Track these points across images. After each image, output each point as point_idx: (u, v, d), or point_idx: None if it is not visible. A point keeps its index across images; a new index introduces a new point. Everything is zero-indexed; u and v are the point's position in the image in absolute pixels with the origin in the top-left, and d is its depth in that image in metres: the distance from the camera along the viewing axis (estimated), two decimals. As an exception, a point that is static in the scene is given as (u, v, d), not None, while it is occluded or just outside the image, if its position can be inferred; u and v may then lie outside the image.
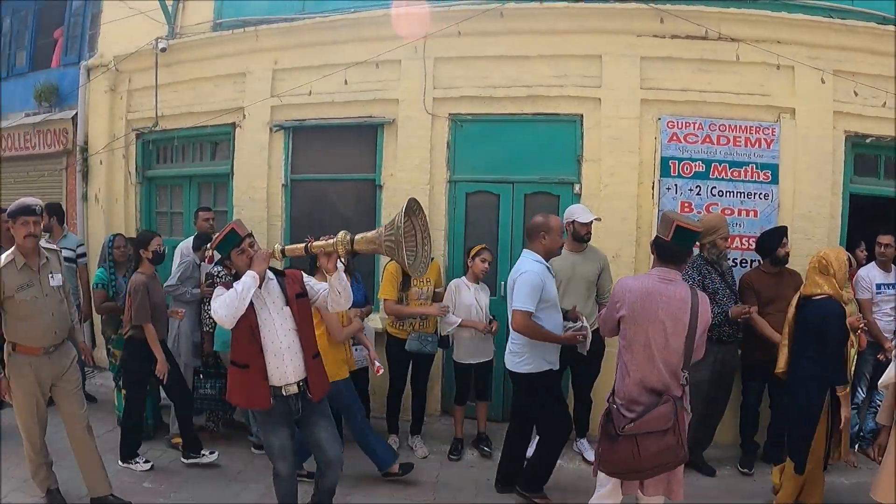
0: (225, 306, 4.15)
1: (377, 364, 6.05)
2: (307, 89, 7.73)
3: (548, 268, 5.29)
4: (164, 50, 8.59)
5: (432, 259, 6.57)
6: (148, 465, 6.15)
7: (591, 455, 6.12)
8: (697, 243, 5.93)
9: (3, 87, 11.65)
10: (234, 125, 8.38)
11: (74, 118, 9.93)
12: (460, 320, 6.32)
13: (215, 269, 6.63)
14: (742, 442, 6.38)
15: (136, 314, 5.97)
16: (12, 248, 4.98)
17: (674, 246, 4.03)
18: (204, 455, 6.23)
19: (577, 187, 7.01)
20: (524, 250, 5.35)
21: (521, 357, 5.24)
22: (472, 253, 6.44)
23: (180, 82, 8.85)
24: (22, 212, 4.85)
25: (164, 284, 6.69)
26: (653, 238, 4.31)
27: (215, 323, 6.53)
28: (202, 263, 6.89)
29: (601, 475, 4.30)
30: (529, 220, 5.43)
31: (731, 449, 6.51)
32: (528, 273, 5.06)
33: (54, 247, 5.49)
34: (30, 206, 4.88)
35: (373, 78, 7.53)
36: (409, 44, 7.28)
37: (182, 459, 6.24)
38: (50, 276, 5.07)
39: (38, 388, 5.02)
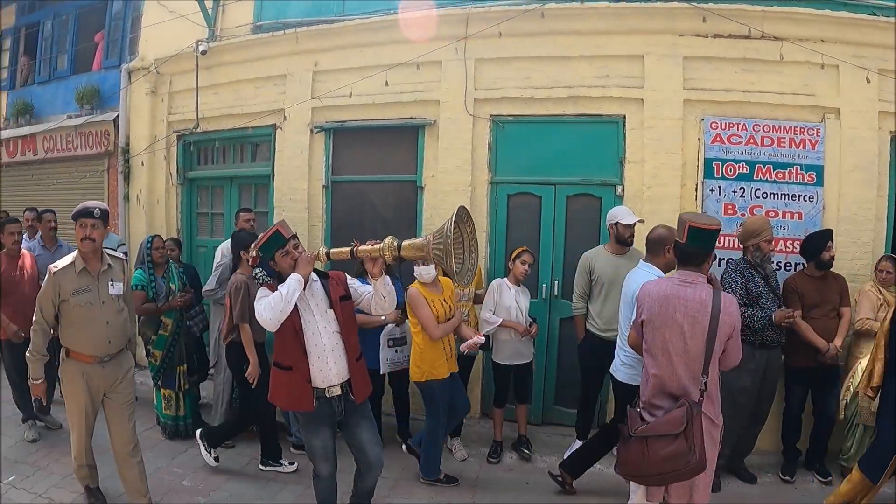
0: (270, 309, 4.17)
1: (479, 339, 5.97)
2: (348, 91, 7.74)
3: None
4: (204, 52, 8.67)
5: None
6: (293, 467, 6.24)
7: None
8: (741, 246, 5.93)
9: (44, 90, 11.83)
10: (274, 127, 8.43)
11: (116, 120, 10.05)
12: (501, 320, 6.31)
13: (258, 270, 6.67)
14: (784, 449, 6.27)
15: (237, 314, 5.95)
16: (76, 252, 4.94)
17: (689, 247, 3.99)
18: (283, 465, 6.23)
19: (619, 189, 6.94)
20: (641, 262, 5.24)
21: (636, 370, 4.95)
22: (514, 255, 6.40)
23: (221, 84, 8.92)
24: (80, 214, 4.79)
25: (203, 290, 6.81)
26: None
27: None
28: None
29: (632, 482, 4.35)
30: (652, 231, 5.29)
31: (772, 456, 6.40)
32: None
33: (121, 255, 5.37)
34: (88, 208, 4.80)
35: (413, 79, 7.53)
36: (450, 45, 7.26)
37: (260, 466, 6.24)
38: (110, 283, 4.97)
39: (89, 397, 4.94)
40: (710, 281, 4.01)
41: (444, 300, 5.78)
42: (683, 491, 4.00)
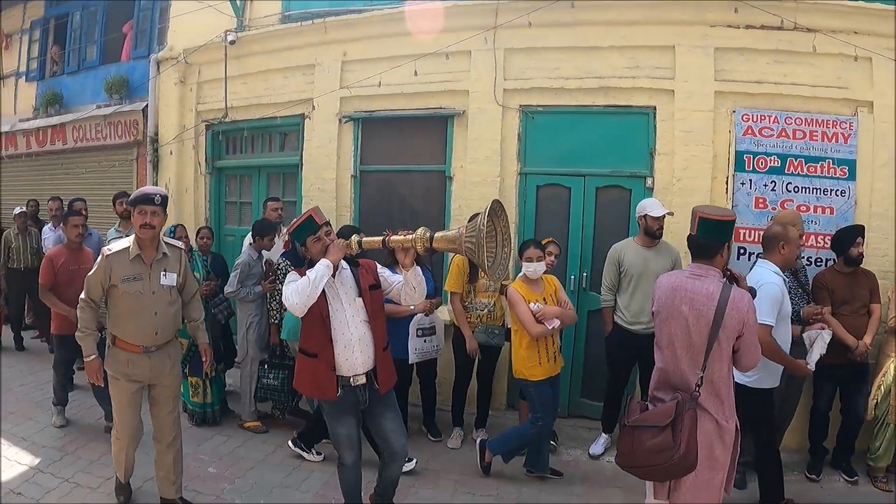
0: (297, 293, 4.15)
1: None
2: (376, 80, 7.75)
3: (784, 279, 5.03)
4: (233, 42, 8.72)
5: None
6: (320, 458, 6.17)
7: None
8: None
9: (74, 80, 11.93)
10: (303, 116, 8.47)
11: (145, 110, 10.15)
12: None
13: (281, 259, 6.70)
14: (811, 447, 6.18)
15: None
16: (132, 237, 4.81)
17: (699, 239, 3.89)
18: (311, 453, 6.20)
19: (649, 181, 6.88)
20: (760, 259, 5.16)
21: (753, 374, 4.84)
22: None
23: (249, 74, 8.97)
24: (140, 200, 4.66)
25: (225, 291, 6.83)
26: None
27: (280, 315, 6.64)
28: (260, 253, 7.01)
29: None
30: (767, 229, 5.19)
31: (799, 454, 6.32)
32: (768, 285, 4.75)
33: (179, 244, 5.22)
34: (148, 194, 4.69)
35: (442, 69, 7.53)
36: (479, 35, 7.25)
37: (289, 443, 6.24)
38: (163, 273, 4.83)
39: (134, 386, 4.85)
40: (734, 277, 3.92)
41: (545, 299, 5.72)
42: (685, 490, 3.86)
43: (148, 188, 4.84)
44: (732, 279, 3.89)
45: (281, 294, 6.36)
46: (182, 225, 7.34)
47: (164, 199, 4.75)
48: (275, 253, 7.03)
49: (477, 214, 4.16)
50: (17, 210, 9.98)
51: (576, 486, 5.83)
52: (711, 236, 3.85)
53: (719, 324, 3.66)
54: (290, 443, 6.25)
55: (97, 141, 11.08)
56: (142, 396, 4.95)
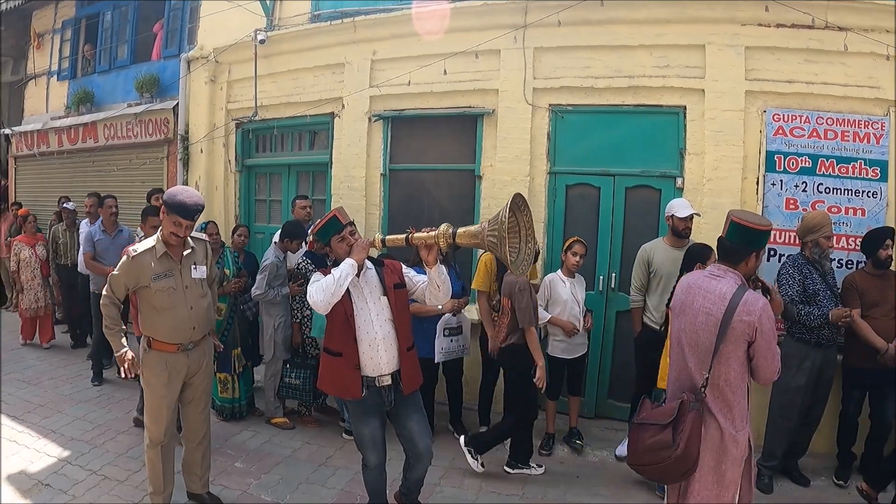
0: (321, 291, 4.17)
1: None
2: (406, 79, 7.76)
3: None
4: (262, 41, 8.76)
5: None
6: (541, 470, 6.04)
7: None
8: (800, 241, 5.83)
9: (105, 79, 12.07)
10: (332, 115, 8.51)
11: (175, 108, 10.26)
12: (549, 316, 6.31)
13: (303, 260, 6.74)
14: (838, 452, 6.10)
15: (522, 317, 5.70)
16: (156, 234, 4.76)
17: (727, 242, 3.76)
18: (533, 467, 6.08)
19: (679, 181, 6.84)
20: None
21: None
22: (565, 246, 6.38)
23: (279, 73, 9.02)
24: (177, 210, 4.56)
25: (253, 294, 6.84)
26: None
27: (302, 314, 6.71)
28: (286, 255, 7.06)
29: None
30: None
31: (827, 459, 6.23)
32: None
33: (203, 236, 5.22)
34: (188, 208, 4.57)
35: (472, 68, 7.52)
36: (509, 34, 7.24)
37: (506, 468, 6.06)
38: (193, 267, 4.83)
39: (172, 388, 4.81)
40: (766, 288, 3.92)
41: None
42: (696, 491, 3.74)
43: (187, 198, 4.64)
44: (765, 290, 3.86)
45: (303, 294, 6.44)
46: (213, 221, 7.40)
47: (201, 210, 4.73)
48: (297, 256, 7.08)
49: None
50: (70, 205, 10.11)
51: (601, 486, 5.82)
52: (741, 242, 3.70)
53: (727, 325, 3.54)
54: (506, 468, 6.08)
55: (128, 139, 11.21)
56: (177, 400, 4.95)
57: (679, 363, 3.84)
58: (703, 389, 3.61)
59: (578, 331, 6.36)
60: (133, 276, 4.63)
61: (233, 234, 7.51)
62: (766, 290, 3.85)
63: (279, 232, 7.12)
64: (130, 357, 4.66)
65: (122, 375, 4.69)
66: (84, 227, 9.11)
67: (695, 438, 3.56)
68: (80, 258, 8.73)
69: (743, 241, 3.69)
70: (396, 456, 5.02)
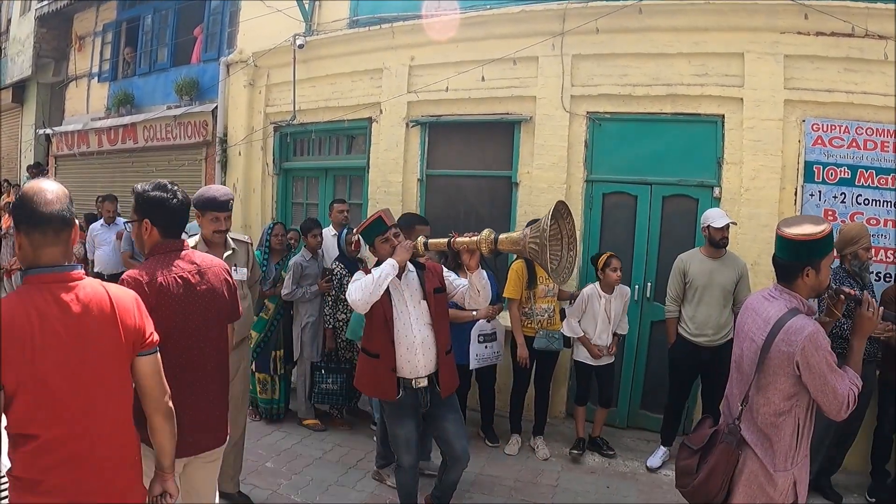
0: (360, 290, 4.20)
1: None
2: (444, 86, 7.79)
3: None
4: (301, 46, 8.82)
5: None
6: None
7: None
8: (839, 254, 5.69)
9: (145, 81, 12.25)
10: (370, 120, 8.55)
11: (214, 111, 10.39)
12: (582, 334, 6.36)
13: (334, 264, 6.82)
14: (872, 469, 5.99)
15: None
16: (198, 235, 4.71)
17: (776, 258, 3.35)
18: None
19: (716, 191, 6.79)
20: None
21: None
22: (602, 263, 6.32)
23: (318, 78, 9.08)
24: (210, 206, 4.55)
25: (282, 294, 6.89)
26: None
27: (335, 320, 6.77)
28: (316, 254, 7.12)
29: None
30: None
31: (860, 476, 6.13)
32: None
33: (245, 238, 5.24)
34: (219, 200, 4.56)
35: (510, 75, 7.52)
36: (547, 41, 7.24)
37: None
38: (234, 268, 4.55)
39: None
40: (850, 298, 3.36)
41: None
42: None
43: (215, 191, 4.67)
44: (856, 302, 3.33)
45: (333, 298, 6.46)
46: (281, 223, 7.51)
47: (232, 200, 4.70)
48: (328, 249, 7.25)
49: (537, 220, 4.17)
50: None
51: (631, 497, 5.80)
52: (790, 258, 3.25)
53: (765, 354, 3.17)
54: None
55: (167, 141, 11.38)
56: None
57: (728, 389, 3.60)
58: (736, 421, 3.35)
59: (602, 354, 6.38)
60: None
61: (306, 234, 7.24)
62: (857, 302, 3.31)
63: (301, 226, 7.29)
64: None
65: None
66: (98, 228, 9.19)
67: (719, 471, 3.34)
68: (108, 256, 8.97)
69: (792, 256, 3.24)
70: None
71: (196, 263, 3.41)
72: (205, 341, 3.36)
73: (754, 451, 3.29)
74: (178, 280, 3.25)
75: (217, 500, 3.92)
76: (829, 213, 6.48)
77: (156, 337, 2.75)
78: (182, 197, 3.40)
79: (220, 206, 4.58)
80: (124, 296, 2.68)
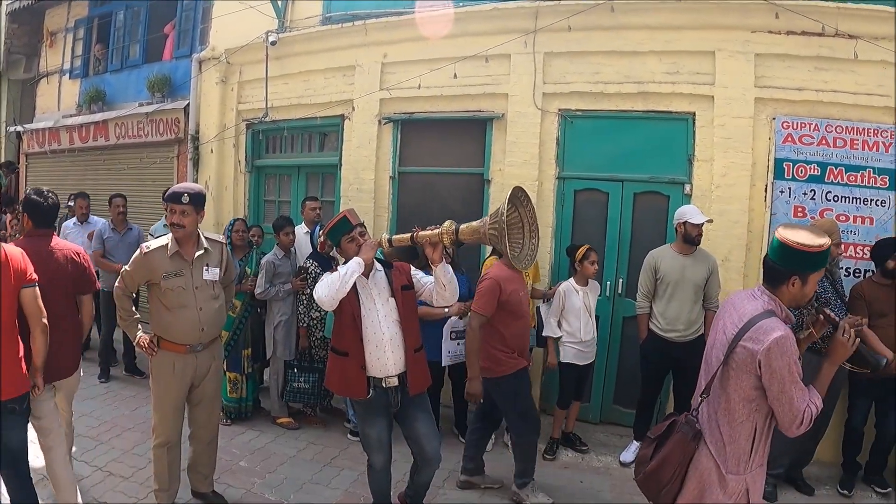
0: (327, 287, 4.19)
1: None
2: (416, 83, 7.77)
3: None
4: (274, 43, 8.78)
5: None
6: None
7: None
8: None
9: (117, 78, 12.13)
10: (343, 117, 8.53)
11: (186, 108, 10.28)
12: (559, 335, 6.38)
13: (308, 262, 6.80)
14: (843, 462, 6.09)
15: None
16: (167, 235, 4.78)
17: (767, 260, 3.30)
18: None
19: (687, 188, 6.84)
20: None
21: None
22: (580, 255, 6.33)
23: (290, 74, 9.05)
24: (168, 199, 4.69)
25: (256, 294, 6.87)
26: None
27: (309, 318, 6.76)
28: (289, 252, 7.13)
29: None
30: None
31: (832, 468, 6.23)
32: None
33: (220, 238, 5.19)
34: (177, 193, 4.65)
35: (482, 72, 7.52)
36: (519, 38, 7.24)
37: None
38: (205, 268, 4.82)
39: (179, 388, 4.81)
40: (827, 318, 3.43)
41: None
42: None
43: (180, 185, 4.80)
44: (834, 326, 3.32)
45: (307, 296, 6.45)
46: (241, 219, 7.48)
47: (195, 196, 4.71)
48: (301, 247, 7.26)
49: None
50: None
51: (604, 492, 5.82)
52: (778, 261, 3.20)
53: (733, 347, 3.14)
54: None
55: (139, 138, 11.23)
56: (185, 400, 4.96)
57: (698, 381, 3.52)
58: (694, 412, 3.38)
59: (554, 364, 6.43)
60: (144, 273, 4.69)
61: (278, 232, 7.20)
62: (834, 326, 3.30)
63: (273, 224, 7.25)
64: (147, 338, 4.74)
65: (148, 354, 4.78)
66: (71, 226, 9.08)
67: (671, 461, 3.34)
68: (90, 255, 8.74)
69: (782, 261, 3.18)
70: (401, 458, 5.06)
71: (52, 246, 4.64)
72: (57, 295, 4.52)
73: (709, 449, 3.29)
74: (40, 253, 4.47)
75: (72, 415, 5.23)
76: (799, 209, 6.57)
77: (35, 276, 4.14)
78: (52, 202, 4.73)
79: (173, 198, 4.65)
80: (13, 250, 4.10)
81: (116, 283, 4.81)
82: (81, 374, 5.03)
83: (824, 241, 3.10)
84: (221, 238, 5.26)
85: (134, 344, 4.84)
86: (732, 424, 3.20)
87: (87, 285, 4.88)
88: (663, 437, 3.45)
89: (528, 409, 5.48)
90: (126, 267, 4.78)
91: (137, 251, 4.75)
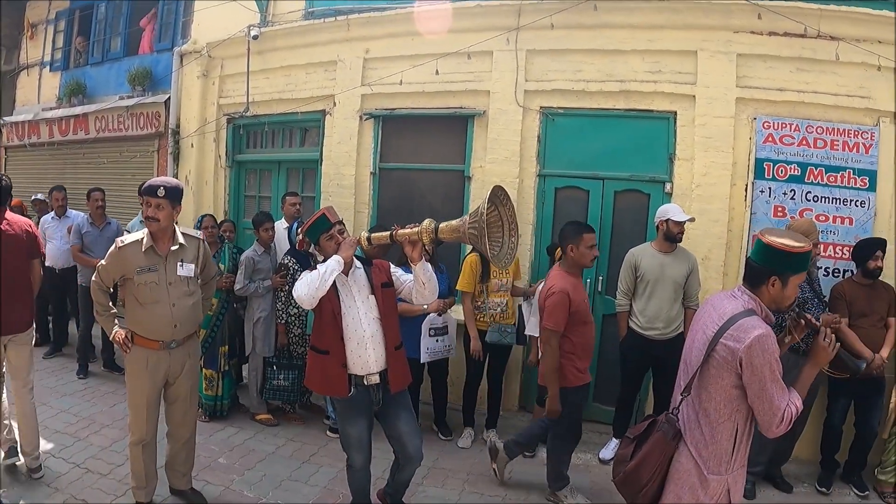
0: (306, 285, 4.17)
1: None
2: (398, 79, 7.76)
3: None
4: (256, 37, 8.73)
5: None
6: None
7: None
8: None
9: (98, 71, 12.05)
10: (324, 112, 8.49)
11: (167, 102, 10.22)
12: (536, 336, 6.25)
13: (286, 258, 6.76)
14: (822, 460, 6.11)
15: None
16: (143, 230, 4.73)
17: (749, 260, 3.29)
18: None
19: (668, 186, 6.84)
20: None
21: None
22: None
23: (272, 69, 9.00)
24: (145, 191, 4.61)
25: (235, 290, 6.84)
26: None
27: (287, 315, 6.75)
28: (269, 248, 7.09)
29: None
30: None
31: (810, 466, 6.26)
32: None
33: (197, 234, 5.10)
34: (152, 186, 4.58)
35: (464, 69, 7.51)
36: (501, 35, 7.23)
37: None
38: (180, 264, 4.73)
39: (152, 385, 4.74)
40: (808, 324, 3.37)
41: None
42: None
43: (156, 179, 4.73)
44: (813, 330, 3.31)
45: (286, 293, 6.41)
46: (210, 215, 7.36)
47: (171, 190, 4.64)
48: (280, 242, 7.20)
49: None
50: (40, 196, 10.07)
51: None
52: (759, 261, 3.19)
53: (713, 346, 3.12)
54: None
55: (119, 132, 11.16)
56: (160, 398, 4.91)
57: (677, 380, 3.52)
58: (674, 412, 3.36)
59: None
60: (119, 267, 4.63)
61: (258, 228, 7.13)
62: (814, 331, 3.28)
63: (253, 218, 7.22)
64: (123, 333, 4.67)
65: (123, 350, 4.70)
66: (49, 220, 8.98)
67: (651, 461, 3.34)
68: (60, 251, 8.77)
69: (763, 261, 3.17)
70: (381, 455, 5.04)
71: (8, 219, 5.29)
72: (15, 260, 5.26)
73: (689, 449, 3.27)
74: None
75: (32, 375, 5.66)
76: (779, 209, 6.58)
77: None
78: (5, 183, 5.49)
79: (149, 191, 4.59)
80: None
81: (93, 278, 4.76)
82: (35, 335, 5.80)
83: (804, 244, 3.11)
84: (199, 234, 5.18)
85: (110, 339, 4.77)
86: (713, 424, 3.18)
87: (36, 251, 5.61)
88: (643, 436, 3.44)
89: (578, 421, 5.51)
90: (102, 261, 4.73)
91: (112, 245, 4.70)
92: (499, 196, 4.05)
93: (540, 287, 6.31)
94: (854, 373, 3.55)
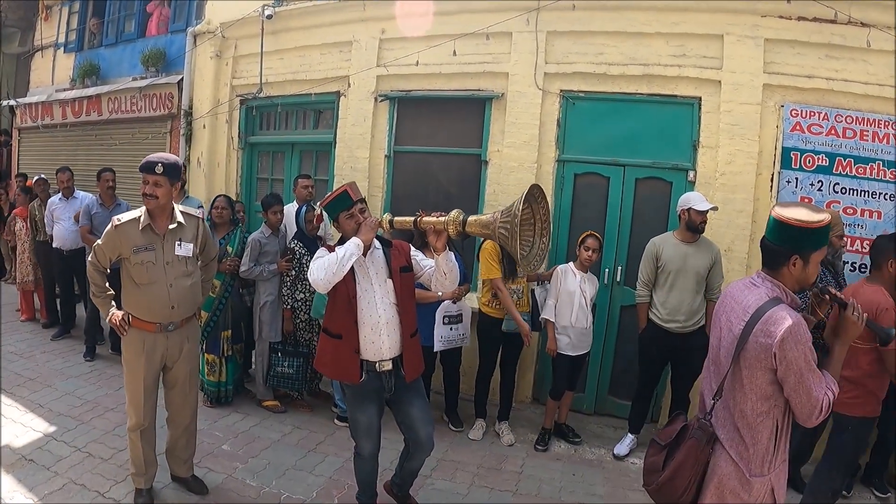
0: (323, 269, 4.01)
1: None
2: (414, 59, 7.61)
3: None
4: (270, 17, 8.66)
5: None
6: None
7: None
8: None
9: (111, 52, 12.05)
10: (338, 94, 8.38)
11: (180, 83, 10.19)
12: (552, 321, 6.26)
13: (293, 242, 6.65)
14: None
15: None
16: (141, 209, 4.60)
17: (765, 241, 3.09)
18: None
19: (691, 174, 6.67)
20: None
21: None
22: (579, 241, 6.27)
23: (286, 50, 8.90)
24: (142, 168, 4.47)
25: (240, 272, 6.72)
26: None
27: (294, 300, 6.63)
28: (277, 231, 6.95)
29: None
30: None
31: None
32: None
33: (196, 213, 4.95)
34: (150, 162, 4.46)
35: (482, 50, 7.34)
36: (521, 16, 7.06)
37: None
38: (178, 243, 4.62)
39: (150, 369, 4.64)
40: (834, 299, 3.10)
41: None
42: None
43: (155, 155, 4.59)
44: (841, 305, 3.07)
45: (292, 278, 6.27)
46: (223, 196, 7.21)
47: (169, 167, 4.52)
48: (290, 225, 7.09)
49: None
50: (42, 176, 9.86)
51: (597, 486, 5.67)
52: (777, 241, 3.01)
53: (743, 344, 2.96)
54: None
55: (132, 113, 11.16)
56: (158, 382, 4.81)
57: (703, 382, 3.40)
58: (707, 417, 3.19)
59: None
60: (115, 246, 4.50)
61: (266, 210, 6.96)
62: (843, 306, 3.06)
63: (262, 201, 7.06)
64: (119, 315, 4.54)
65: (119, 332, 4.58)
66: (57, 202, 8.85)
67: (685, 469, 3.16)
68: (67, 232, 8.67)
69: (781, 240, 3.00)
70: (388, 445, 4.92)
71: None
72: None
73: (728, 452, 3.10)
74: None
75: None
76: (806, 200, 6.35)
77: None
78: None
79: (147, 168, 4.47)
80: None
81: (88, 258, 4.64)
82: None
83: (823, 216, 2.92)
84: (198, 213, 5.04)
85: (106, 321, 4.64)
86: (752, 425, 3.02)
87: None
88: (674, 443, 3.28)
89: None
90: (98, 241, 4.60)
91: (109, 224, 4.56)
92: (535, 195, 3.86)
93: (557, 268, 6.21)
94: (884, 341, 3.45)
